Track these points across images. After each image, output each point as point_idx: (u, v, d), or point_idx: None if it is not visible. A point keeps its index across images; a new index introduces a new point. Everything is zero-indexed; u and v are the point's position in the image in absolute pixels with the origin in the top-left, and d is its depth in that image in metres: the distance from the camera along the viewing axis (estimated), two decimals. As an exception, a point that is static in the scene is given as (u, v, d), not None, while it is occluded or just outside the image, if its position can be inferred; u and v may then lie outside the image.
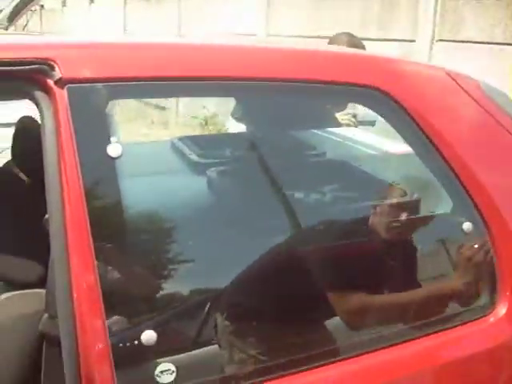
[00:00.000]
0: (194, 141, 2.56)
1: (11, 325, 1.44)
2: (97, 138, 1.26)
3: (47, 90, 1.27)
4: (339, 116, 2.83)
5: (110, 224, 1.27)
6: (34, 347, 1.42)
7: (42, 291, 1.45)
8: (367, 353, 1.40)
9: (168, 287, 1.40)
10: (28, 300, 1.46)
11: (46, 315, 1.37)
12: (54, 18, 16.50)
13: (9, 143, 4.91)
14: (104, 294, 1.21)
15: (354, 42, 3.09)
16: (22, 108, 4.81)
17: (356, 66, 1.68)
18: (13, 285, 1.48)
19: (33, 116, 2.39)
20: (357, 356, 1.39)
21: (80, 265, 1.22)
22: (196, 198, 1.79)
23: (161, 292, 1.39)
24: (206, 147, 2.33)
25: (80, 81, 1.27)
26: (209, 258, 1.47)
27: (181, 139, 2.53)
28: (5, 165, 2.91)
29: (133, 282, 1.29)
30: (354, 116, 3.02)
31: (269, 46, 1.90)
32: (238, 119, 2.56)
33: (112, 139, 1.26)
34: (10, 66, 1.25)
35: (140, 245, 1.33)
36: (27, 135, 2.29)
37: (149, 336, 1.24)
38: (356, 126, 3.07)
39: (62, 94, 1.26)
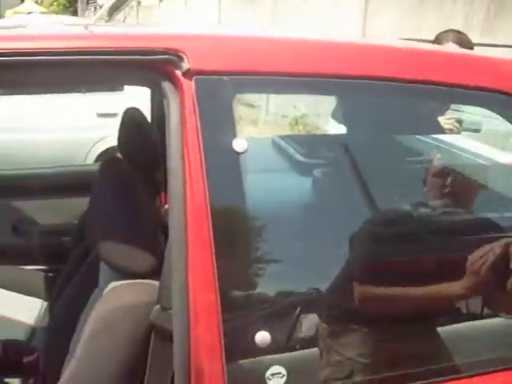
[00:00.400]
0: (296, 140, 2.53)
1: (120, 314, 1.44)
2: (223, 131, 1.25)
3: (174, 81, 1.26)
4: (442, 120, 2.71)
5: (230, 219, 1.25)
6: (141, 338, 1.41)
7: (153, 282, 1.45)
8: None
9: (285, 287, 1.37)
10: (138, 290, 1.46)
11: (157, 306, 1.36)
12: (150, 14, 16.90)
13: (108, 131, 5.06)
14: (221, 289, 1.19)
15: (461, 39, 2.93)
16: (121, 100, 4.95)
17: (483, 68, 1.60)
18: (124, 274, 1.48)
19: (137, 107, 2.42)
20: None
21: (198, 258, 1.21)
22: (310, 197, 1.75)
23: (277, 292, 1.36)
24: (309, 147, 2.29)
25: (208, 73, 1.26)
26: (325, 258, 1.43)
27: (282, 138, 2.50)
28: (108, 153, 2.97)
29: (250, 279, 1.27)
30: (459, 121, 2.88)
31: (388, 45, 1.84)
32: (339, 120, 2.50)
33: (237, 133, 1.24)
34: (139, 54, 1.25)
35: (259, 242, 1.30)
36: (134, 125, 2.31)
37: (263, 336, 1.22)
38: (459, 132, 2.94)
39: (189, 86, 1.25)
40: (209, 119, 1.23)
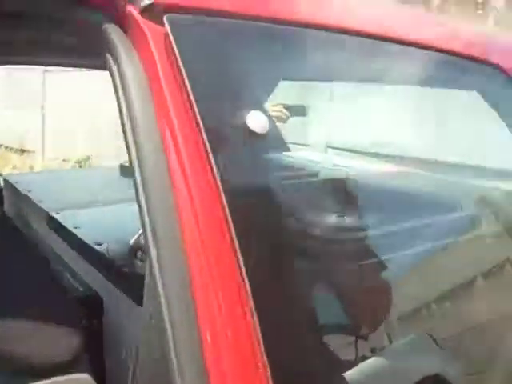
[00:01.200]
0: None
1: None
2: (228, 102, 0.75)
3: (126, 23, 0.74)
4: (270, 108, 2.42)
5: (267, 240, 0.74)
6: None
7: (85, 376, 0.87)
8: None
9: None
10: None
11: None
12: None
13: None
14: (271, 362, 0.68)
15: None
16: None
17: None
18: (37, 371, 0.88)
19: None
20: None
21: (216, 321, 0.69)
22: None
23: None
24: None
25: (187, 10, 0.75)
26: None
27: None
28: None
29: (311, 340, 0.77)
30: (287, 108, 2.60)
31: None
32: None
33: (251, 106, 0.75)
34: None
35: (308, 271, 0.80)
36: None
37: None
38: (288, 119, 2.66)
39: (156, 31, 0.73)
40: (200, 86, 0.73)
